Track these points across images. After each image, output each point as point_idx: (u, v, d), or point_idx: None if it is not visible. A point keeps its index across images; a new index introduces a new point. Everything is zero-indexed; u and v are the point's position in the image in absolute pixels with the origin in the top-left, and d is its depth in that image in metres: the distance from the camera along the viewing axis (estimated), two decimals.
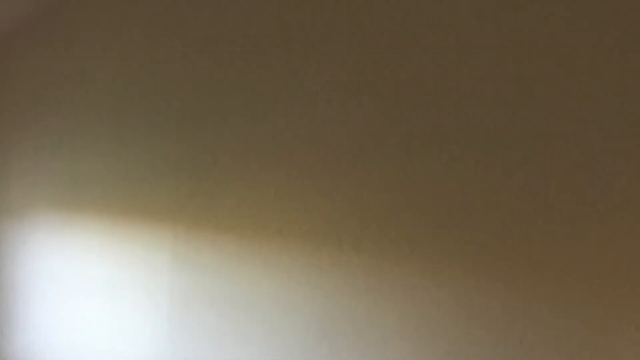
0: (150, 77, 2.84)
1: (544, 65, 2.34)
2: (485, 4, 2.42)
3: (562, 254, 2.24)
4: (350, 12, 2.59)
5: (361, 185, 2.52)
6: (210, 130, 2.73)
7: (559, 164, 2.29)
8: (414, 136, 2.46)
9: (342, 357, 2.53)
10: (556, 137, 2.30)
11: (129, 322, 2.99)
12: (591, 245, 2.21)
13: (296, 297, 2.63)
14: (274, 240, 2.65)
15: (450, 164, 2.41)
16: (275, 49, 2.67)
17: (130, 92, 2.86)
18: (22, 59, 3.11)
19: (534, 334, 2.23)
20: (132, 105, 2.86)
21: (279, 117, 2.64)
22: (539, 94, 2.34)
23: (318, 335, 2.58)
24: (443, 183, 2.42)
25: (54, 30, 3.00)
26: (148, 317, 2.93)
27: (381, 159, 2.50)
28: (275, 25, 2.68)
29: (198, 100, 2.77)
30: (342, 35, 2.59)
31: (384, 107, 2.51)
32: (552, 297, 2.22)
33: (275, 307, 2.67)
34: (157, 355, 2.89)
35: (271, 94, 2.66)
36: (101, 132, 2.91)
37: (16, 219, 3.19)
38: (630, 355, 2.14)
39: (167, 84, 2.82)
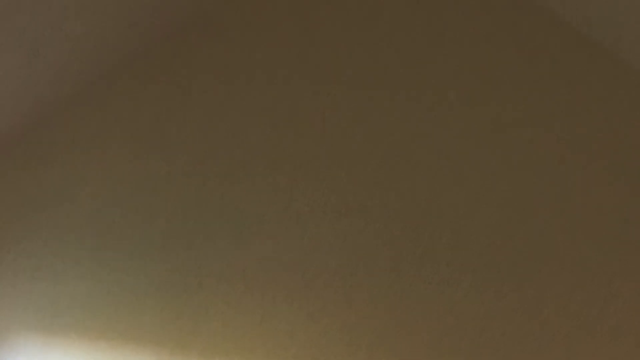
0: (133, 197, 2.82)
1: (539, 187, 2.36)
2: (479, 125, 2.45)
3: None
4: (339, 132, 2.60)
5: (350, 309, 2.48)
6: (195, 252, 2.70)
7: (554, 286, 2.29)
8: (404, 258, 2.43)
9: None
10: (551, 259, 2.31)
11: None
12: None
13: None
14: None
15: (442, 286, 2.38)
16: (261, 170, 2.67)
17: (112, 213, 2.83)
18: (1, 180, 3.09)
19: None
20: (114, 227, 2.83)
21: (266, 239, 2.61)
22: (533, 216, 2.35)
23: None
24: (434, 306, 2.37)
25: (33, 149, 2.99)
26: None
27: (370, 282, 2.46)
28: (262, 146, 2.68)
29: (182, 222, 2.74)
30: (330, 156, 2.60)
31: (374, 228, 2.49)
32: None
33: None
34: None
35: (257, 215, 2.63)
36: (82, 254, 2.86)
37: None
38: None
39: (150, 205, 2.80)
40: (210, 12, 2.83)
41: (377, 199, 2.50)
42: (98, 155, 2.90)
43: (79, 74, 2.85)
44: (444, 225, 2.41)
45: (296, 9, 2.74)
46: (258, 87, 2.72)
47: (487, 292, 2.32)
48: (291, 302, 2.55)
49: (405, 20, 2.59)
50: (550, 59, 2.42)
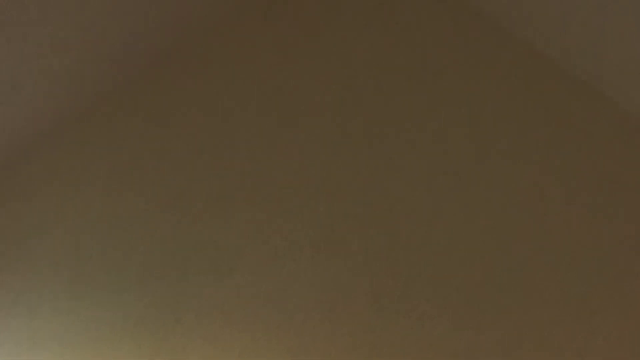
0: (110, 233, 2.80)
1: (519, 221, 2.36)
2: (458, 159, 2.45)
3: None
4: (317, 166, 2.59)
5: (329, 345, 2.45)
6: (173, 288, 2.67)
7: (534, 322, 2.28)
8: (384, 293, 2.42)
9: None
10: (531, 294, 2.30)
11: None
12: None
13: None
14: None
15: (422, 322, 2.37)
16: (239, 204, 2.65)
17: (89, 249, 2.81)
18: None
19: None
20: (91, 262, 2.80)
21: (244, 275, 2.59)
22: (513, 251, 2.34)
23: None
24: (414, 342, 2.35)
25: (10, 184, 2.97)
26: None
27: (350, 318, 2.44)
28: (239, 180, 2.67)
29: (160, 257, 2.72)
30: (309, 190, 2.59)
31: (353, 264, 2.47)
32: None
33: None
34: None
35: (235, 250, 2.61)
36: (59, 289, 2.83)
37: None
38: None
39: (128, 240, 2.78)
40: (187, 49, 2.83)
41: (356, 234, 2.49)
42: (75, 190, 2.88)
43: (56, 109, 2.83)
44: (424, 260, 2.40)
45: (272, 44, 2.74)
46: (235, 122, 2.72)
47: (467, 327, 2.31)
48: (270, 337, 2.53)
49: (384, 53, 2.60)
50: (531, 93, 2.43)
